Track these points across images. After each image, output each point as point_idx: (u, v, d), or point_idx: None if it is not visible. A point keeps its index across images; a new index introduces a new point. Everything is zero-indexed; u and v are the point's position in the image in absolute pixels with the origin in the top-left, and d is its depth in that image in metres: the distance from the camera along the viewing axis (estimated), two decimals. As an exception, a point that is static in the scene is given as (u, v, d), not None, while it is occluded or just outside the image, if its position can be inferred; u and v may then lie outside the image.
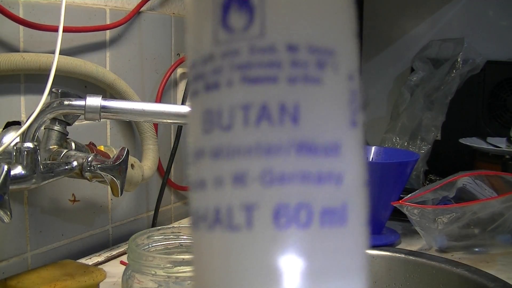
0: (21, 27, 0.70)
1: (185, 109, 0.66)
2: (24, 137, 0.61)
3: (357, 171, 0.16)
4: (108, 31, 0.83)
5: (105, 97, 0.63)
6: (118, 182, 0.67)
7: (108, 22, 0.83)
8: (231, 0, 0.15)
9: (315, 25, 0.15)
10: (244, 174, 0.14)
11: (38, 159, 0.61)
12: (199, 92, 0.16)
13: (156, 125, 0.91)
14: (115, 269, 0.74)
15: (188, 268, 0.54)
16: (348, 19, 0.16)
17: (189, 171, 0.16)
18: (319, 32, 0.15)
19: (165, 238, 0.61)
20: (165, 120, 0.66)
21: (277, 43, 0.15)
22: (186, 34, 0.16)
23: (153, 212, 0.92)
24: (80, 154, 0.68)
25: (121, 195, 0.68)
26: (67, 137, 0.70)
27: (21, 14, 0.69)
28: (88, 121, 0.75)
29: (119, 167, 0.67)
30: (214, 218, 0.15)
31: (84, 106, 0.62)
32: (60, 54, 0.63)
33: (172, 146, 0.95)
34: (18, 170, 0.60)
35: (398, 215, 0.87)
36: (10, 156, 0.62)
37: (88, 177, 0.67)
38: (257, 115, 0.14)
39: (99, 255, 0.80)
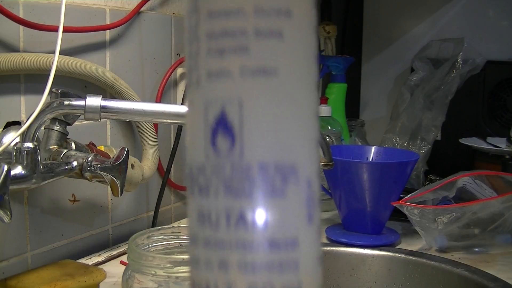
0: (21, 27, 0.70)
1: (185, 109, 0.66)
2: (24, 137, 0.61)
3: (312, 256, 0.20)
4: (108, 31, 0.83)
5: (105, 97, 0.63)
6: (118, 182, 0.67)
7: (108, 22, 0.83)
8: (218, 126, 0.20)
9: (281, 148, 0.20)
10: (226, 262, 0.20)
11: (38, 159, 0.61)
12: (194, 192, 0.21)
13: (156, 125, 0.91)
14: (115, 269, 0.74)
15: (188, 268, 0.54)
16: (310, 131, 0.21)
17: (187, 247, 0.22)
18: (284, 153, 0.20)
19: (165, 238, 0.61)
20: (165, 120, 0.66)
21: (251, 163, 0.20)
22: (186, 141, 0.21)
23: (153, 212, 0.92)
24: (80, 154, 0.68)
25: (121, 195, 0.68)
26: (67, 137, 0.70)
27: (21, 14, 0.69)
28: (88, 121, 0.75)
29: (119, 167, 0.67)
30: None
31: (84, 106, 0.62)
32: (60, 54, 0.63)
33: (172, 146, 0.95)
34: (18, 170, 0.60)
35: (398, 215, 0.87)
36: (10, 156, 0.62)
37: (88, 177, 0.67)
38: (236, 220, 0.20)
39: (99, 255, 0.80)
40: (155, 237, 0.61)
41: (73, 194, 0.80)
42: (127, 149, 0.69)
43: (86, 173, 0.67)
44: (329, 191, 0.92)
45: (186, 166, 0.21)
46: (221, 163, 0.20)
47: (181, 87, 0.99)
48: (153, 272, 0.54)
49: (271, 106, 0.20)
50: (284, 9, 0.20)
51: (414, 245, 0.86)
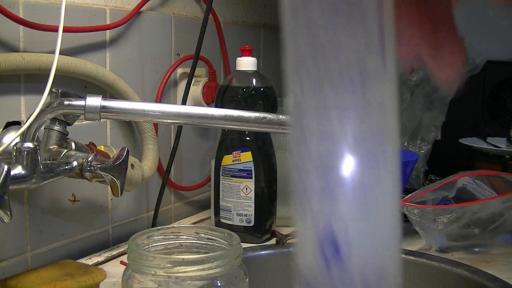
0: (21, 27, 0.70)
1: (185, 109, 0.66)
2: (24, 137, 0.61)
3: None
4: (108, 31, 0.83)
5: (105, 97, 0.63)
6: (118, 182, 0.67)
7: (108, 22, 0.83)
8: (325, 239, 0.23)
9: (378, 258, 0.23)
10: None
11: (38, 159, 0.61)
12: None
13: (156, 125, 0.91)
14: (115, 269, 0.74)
15: (188, 268, 0.54)
16: (398, 238, 0.24)
17: None
18: (379, 261, 0.23)
19: (165, 238, 0.61)
20: (165, 120, 0.66)
21: (354, 270, 0.23)
22: (295, 244, 0.25)
23: (153, 212, 0.92)
24: (80, 154, 0.68)
25: (121, 195, 0.68)
26: (67, 137, 0.70)
27: (21, 14, 0.70)
28: (88, 121, 0.75)
29: (119, 167, 0.67)
30: None
31: (84, 106, 0.62)
32: (60, 54, 0.63)
33: (172, 146, 0.95)
34: (18, 170, 0.60)
35: (398, 215, 0.87)
36: (10, 156, 0.62)
37: (88, 177, 0.67)
38: None
39: (99, 255, 0.80)
40: (155, 237, 0.61)
41: (73, 194, 0.80)
42: (127, 149, 0.69)
43: (86, 173, 0.67)
44: (329, 191, 0.92)
45: (296, 265, 0.24)
46: (328, 268, 0.23)
47: (181, 87, 0.99)
48: (153, 272, 0.54)
49: (370, 223, 0.23)
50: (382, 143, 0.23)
51: (414, 245, 0.86)
